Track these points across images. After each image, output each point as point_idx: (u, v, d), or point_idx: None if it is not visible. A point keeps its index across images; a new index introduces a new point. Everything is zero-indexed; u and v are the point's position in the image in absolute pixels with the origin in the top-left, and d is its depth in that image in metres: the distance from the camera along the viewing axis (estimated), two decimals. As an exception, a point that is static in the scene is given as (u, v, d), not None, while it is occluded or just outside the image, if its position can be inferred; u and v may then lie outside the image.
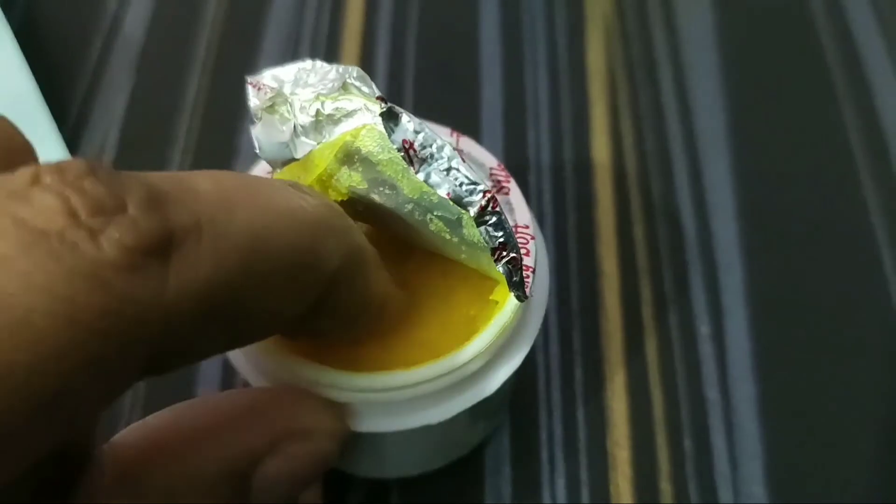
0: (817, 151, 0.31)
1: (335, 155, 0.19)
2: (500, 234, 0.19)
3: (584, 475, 0.25)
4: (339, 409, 0.19)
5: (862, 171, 0.30)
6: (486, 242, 0.19)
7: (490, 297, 0.20)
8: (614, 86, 0.33)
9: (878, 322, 0.27)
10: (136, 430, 0.16)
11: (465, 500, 0.25)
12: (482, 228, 0.18)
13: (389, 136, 0.18)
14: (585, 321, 0.27)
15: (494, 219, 0.18)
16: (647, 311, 0.27)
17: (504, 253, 0.19)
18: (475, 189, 0.18)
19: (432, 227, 0.19)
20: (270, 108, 0.19)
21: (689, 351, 0.27)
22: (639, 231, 0.29)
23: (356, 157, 0.19)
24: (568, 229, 0.29)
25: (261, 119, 0.19)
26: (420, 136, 0.18)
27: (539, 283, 0.21)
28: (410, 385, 0.19)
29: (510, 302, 0.20)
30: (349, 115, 0.19)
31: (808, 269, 0.28)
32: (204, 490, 0.16)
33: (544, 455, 0.25)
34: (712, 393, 0.26)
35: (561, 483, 0.25)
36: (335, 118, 0.19)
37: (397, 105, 0.18)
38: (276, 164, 0.20)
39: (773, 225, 0.29)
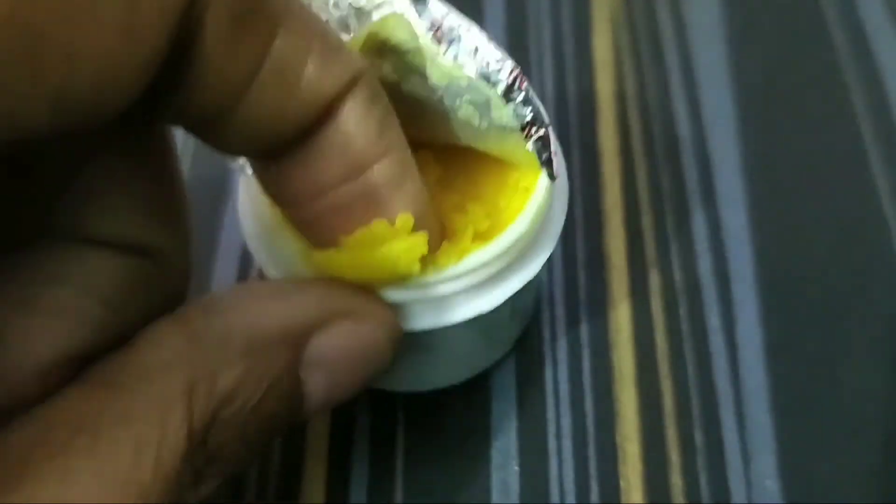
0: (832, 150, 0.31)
1: (363, 47, 0.20)
2: (529, 109, 0.19)
3: (592, 466, 0.25)
4: (392, 308, 0.20)
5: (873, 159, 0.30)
6: (515, 120, 0.19)
7: (518, 187, 0.21)
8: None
9: (892, 312, 0.27)
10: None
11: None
12: (510, 106, 0.19)
13: (419, 17, 0.19)
14: (592, 306, 0.27)
15: (522, 95, 0.19)
16: (655, 303, 0.27)
17: (533, 130, 0.19)
18: (502, 67, 0.19)
19: (461, 113, 0.20)
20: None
21: (700, 341, 0.27)
22: (647, 220, 0.29)
23: (385, 47, 0.19)
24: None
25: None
26: (448, 19, 0.19)
27: (559, 169, 0.22)
28: (462, 274, 0.20)
29: (541, 184, 0.21)
30: (378, 6, 0.19)
31: (820, 258, 0.28)
32: (258, 346, 0.16)
33: (552, 446, 0.25)
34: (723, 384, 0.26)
35: (570, 477, 0.25)
36: (366, 10, 0.20)
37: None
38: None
39: (784, 216, 0.29)
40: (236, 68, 0.15)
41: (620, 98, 0.32)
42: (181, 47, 0.14)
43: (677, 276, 0.28)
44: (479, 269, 0.20)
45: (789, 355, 0.26)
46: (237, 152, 0.19)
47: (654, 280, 0.28)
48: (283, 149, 0.17)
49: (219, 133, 0.16)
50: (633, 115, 0.31)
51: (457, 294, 0.21)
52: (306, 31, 0.16)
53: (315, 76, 0.16)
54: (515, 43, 0.34)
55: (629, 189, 0.30)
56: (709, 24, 0.34)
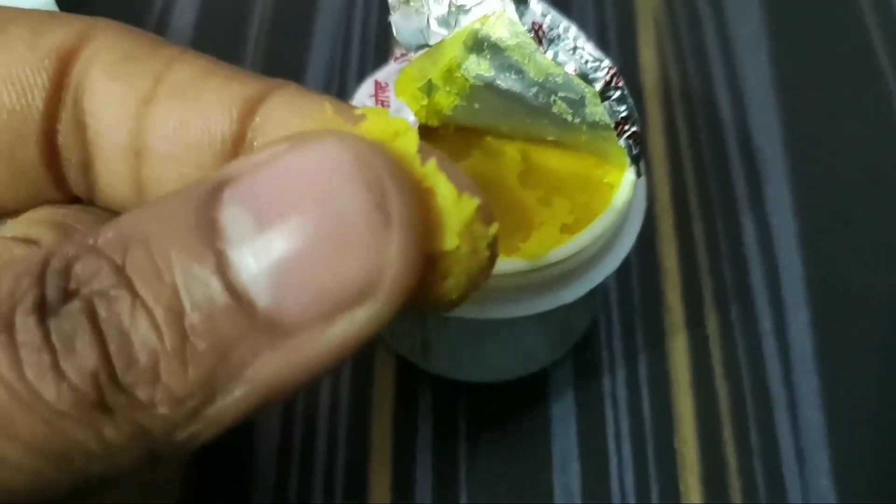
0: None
1: (464, 42, 0.20)
2: (624, 108, 0.20)
3: (652, 469, 0.25)
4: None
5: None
6: (610, 117, 0.20)
7: (602, 182, 0.22)
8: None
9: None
10: None
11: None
12: (606, 103, 0.20)
13: (520, 18, 0.19)
14: (647, 312, 0.28)
15: (618, 93, 0.20)
16: (708, 308, 0.28)
17: (626, 127, 0.20)
18: (600, 65, 0.20)
19: (556, 108, 0.21)
20: (406, 2, 0.20)
21: (753, 346, 0.27)
22: (698, 227, 0.30)
23: (485, 43, 0.20)
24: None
25: (398, 9, 0.20)
26: (548, 18, 0.20)
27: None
28: (549, 265, 0.20)
29: (626, 181, 0.21)
30: (479, 4, 0.20)
31: (868, 263, 0.29)
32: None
33: (612, 449, 0.26)
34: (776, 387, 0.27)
35: (629, 479, 0.25)
36: (465, 8, 0.20)
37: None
38: (410, 48, 0.21)
39: (832, 220, 0.30)
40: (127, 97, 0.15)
41: (667, 101, 0.33)
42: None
43: (729, 281, 0.29)
44: (565, 260, 0.21)
45: (840, 358, 0.27)
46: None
47: (707, 285, 0.28)
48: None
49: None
50: (680, 120, 0.32)
51: (540, 285, 0.21)
52: (200, 62, 0.15)
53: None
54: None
55: (679, 195, 0.30)
56: (753, 35, 0.35)
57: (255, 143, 0.14)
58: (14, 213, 0.16)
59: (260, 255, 0.11)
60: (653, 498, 0.25)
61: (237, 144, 0.14)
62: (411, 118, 0.22)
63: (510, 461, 0.25)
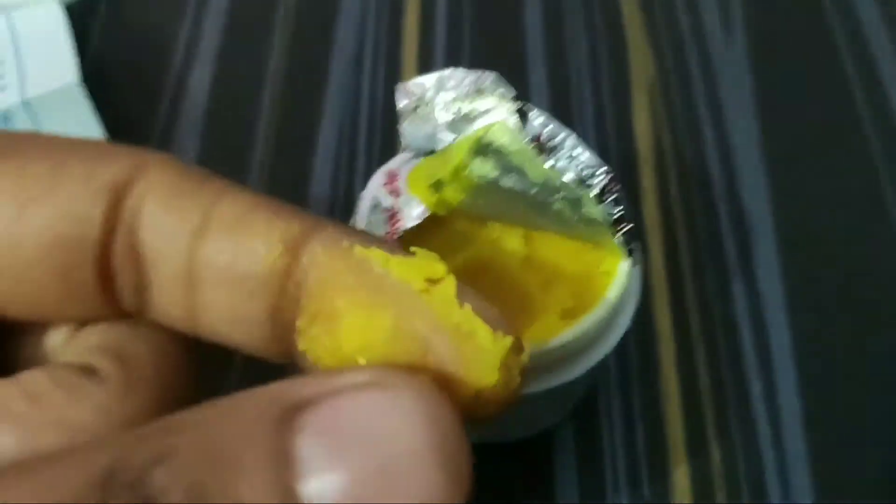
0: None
1: (470, 148, 0.22)
2: (619, 209, 0.22)
3: None
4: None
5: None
6: (605, 217, 0.22)
7: (599, 270, 0.23)
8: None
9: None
10: None
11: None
12: (602, 206, 0.22)
13: (522, 130, 0.21)
14: (643, 374, 0.30)
15: (613, 196, 0.22)
16: (702, 375, 0.30)
17: (621, 225, 0.22)
18: (596, 172, 0.21)
19: (555, 206, 0.22)
20: (415, 109, 0.22)
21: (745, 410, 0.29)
22: (690, 293, 0.32)
23: (489, 148, 0.22)
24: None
25: (408, 118, 0.22)
26: (547, 129, 0.21)
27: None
28: (551, 350, 0.22)
29: (622, 269, 0.23)
30: (483, 114, 0.22)
31: (857, 325, 0.31)
32: None
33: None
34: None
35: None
36: (471, 117, 0.22)
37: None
38: (419, 153, 0.23)
39: (818, 283, 0.32)
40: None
41: (660, 167, 0.34)
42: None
43: (721, 347, 0.30)
44: (566, 344, 0.22)
45: (825, 416, 0.29)
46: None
47: (700, 351, 0.30)
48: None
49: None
50: (673, 184, 0.34)
51: (543, 366, 0.23)
52: (247, 198, 0.17)
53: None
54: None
55: (672, 259, 0.32)
56: (742, 101, 0.37)
57: (303, 285, 0.16)
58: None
59: (325, 490, 0.12)
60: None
61: (284, 279, 0.16)
62: (422, 207, 0.24)
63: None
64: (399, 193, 0.26)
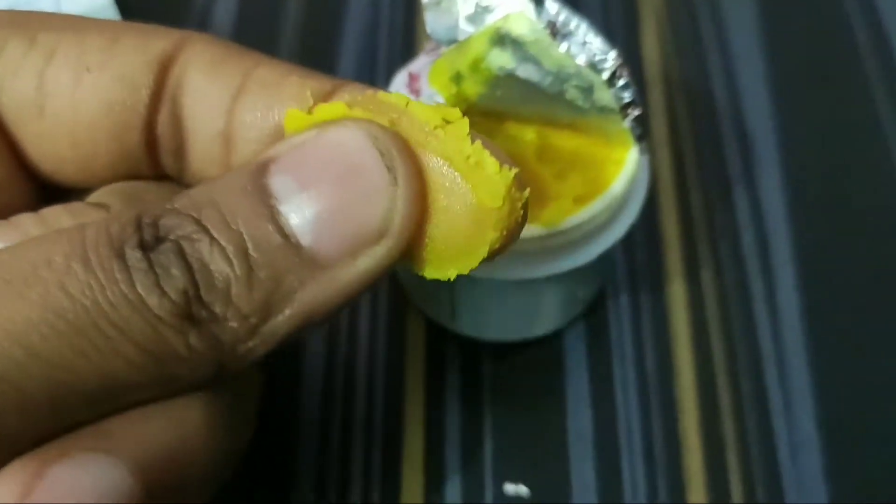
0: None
1: (488, 38, 0.23)
2: (628, 93, 0.23)
3: (655, 415, 0.29)
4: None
5: None
6: (616, 102, 0.23)
7: (610, 160, 0.25)
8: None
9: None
10: None
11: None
12: (613, 90, 0.23)
13: (537, 17, 0.23)
14: (650, 277, 0.31)
15: (623, 81, 0.23)
16: (705, 273, 0.31)
17: (630, 110, 0.23)
18: (607, 57, 0.23)
19: (568, 95, 0.24)
20: (438, 2, 0.24)
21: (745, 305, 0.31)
22: (696, 202, 0.33)
23: (507, 39, 0.23)
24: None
25: (430, 9, 0.24)
26: (561, 16, 0.23)
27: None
28: (564, 231, 0.24)
29: (631, 157, 0.24)
30: (501, 4, 0.23)
31: (852, 230, 0.32)
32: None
33: (619, 397, 0.29)
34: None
35: (635, 423, 0.28)
36: (490, 8, 0.23)
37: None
38: (442, 42, 0.24)
39: (817, 195, 0.33)
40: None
41: (668, 90, 0.36)
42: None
43: (723, 249, 0.32)
44: (578, 227, 0.24)
45: (824, 316, 0.30)
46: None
47: (704, 253, 0.32)
48: None
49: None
50: (680, 105, 0.35)
51: (557, 249, 0.24)
52: (283, 65, 0.19)
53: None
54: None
55: (679, 173, 0.34)
56: (746, 26, 0.38)
57: None
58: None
59: (303, 207, 0.15)
60: (655, 438, 0.28)
61: None
62: (442, 103, 0.25)
63: (529, 410, 0.29)
64: (420, 93, 0.27)
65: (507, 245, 0.17)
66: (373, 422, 0.28)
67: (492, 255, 0.17)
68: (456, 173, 0.16)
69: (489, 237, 0.16)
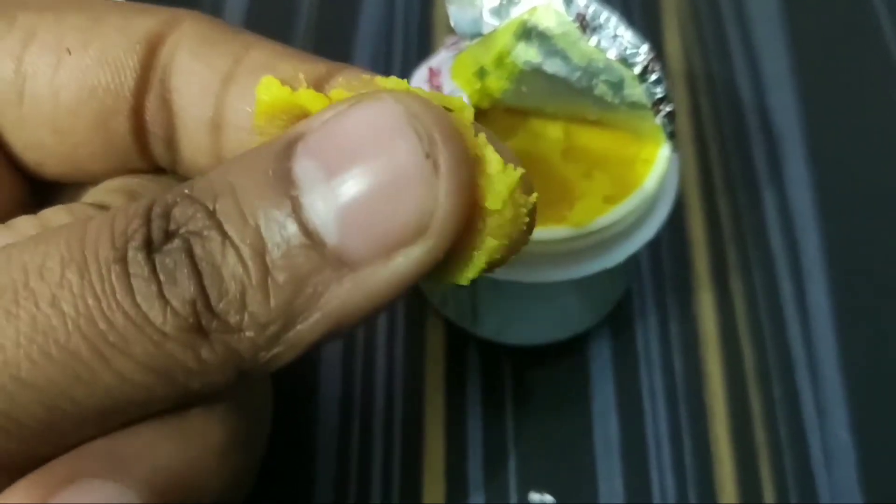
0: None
1: (514, 31, 0.22)
2: (660, 89, 0.22)
3: (684, 422, 0.28)
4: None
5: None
6: (647, 98, 0.22)
7: (639, 158, 0.24)
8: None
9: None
10: None
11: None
12: (644, 85, 0.22)
13: (566, 9, 0.22)
14: (676, 281, 0.30)
15: (655, 76, 0.22)
16: (734, 276, 0.30)
17: (662, 106, 0.22)
18: (638, 51, 0.22)
19: (597, 90, 0.23)
20: (462, -7, 0.23)
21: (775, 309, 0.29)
22: (722, 202, 0.32)
23: (533, 32, 0.22)
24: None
25: (454, 2, 0.23)
26: (591, 9, 0.22)
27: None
28: (593, 232, 0.23)
29: (662, 155, 0.23)
30: (527, -3, 0.22)
31: (883, 231, 0.31)
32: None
33: (647, 404, 0.28)
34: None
35: (664, 430, 0.27)
36: (516, 1, 0.22)
37: None
38: (465, 36, 0.23)
39: (847, 194, 0.32)
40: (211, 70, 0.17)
41: (691, 86, 0.35)
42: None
43: (751, 250, 0.31)
44: (607, 228, 0.23)
45: (856, 320, 0.29)
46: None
47: (731, 254, 0.31)
48: None
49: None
50: (704, 103, 0.34)
51: (584, 251, 0.24)
52: (276, 47, 0.17)
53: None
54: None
55: (704, 172, 0.33)
56: (771, 21, 0.37)
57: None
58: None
59: (328, 199, 0.13)
60: (685, 446, 0.27)
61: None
62: (465, 100, 0.24)
63: (553, 417, 0.28)
64: (441, 89, 0.26)
65: (509, 256, 0.15)
66: (392, 429, 0.28)
67: (491, 267, 0.15)
68: None
69: (488, 246, 0.14)
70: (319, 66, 0.17)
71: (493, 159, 0.14)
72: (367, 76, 0.17)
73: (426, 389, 0.28)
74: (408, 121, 0.13)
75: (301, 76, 0.16)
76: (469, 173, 0.14)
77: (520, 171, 0.14)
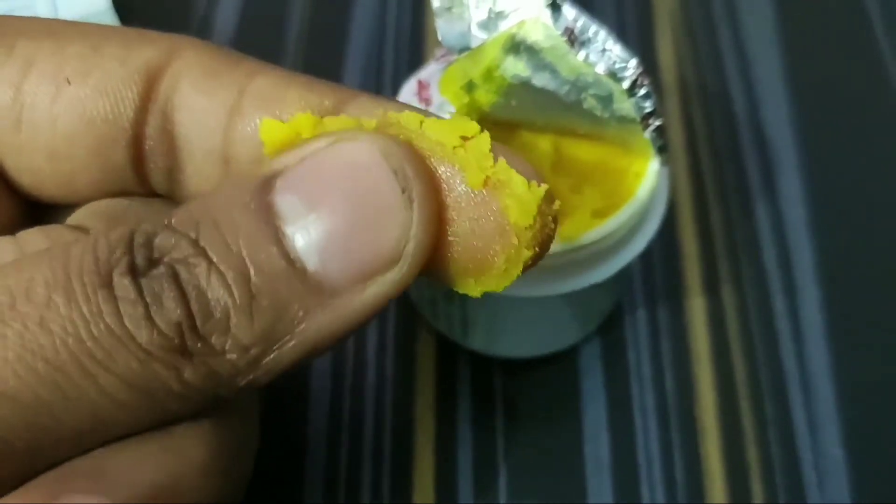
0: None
1: (502, 45, 0.22)
2: (649, 103, 0.22)
3: (675, 438, 0.27)
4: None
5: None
6: (636, 112, 0.22)
7: (629, 172, 0.24)
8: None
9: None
10: None
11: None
12: (633, 100, 0.22)
13: (554, 23, 0.22)
14: (668, 294, 0.30)
15: (644, 90, 0.22)
16: (726, 290, 0.30)
17: (651, 121, 0.22)
18: (627, 65, 0.22)
19: (586, 104, 0.23)
20: (449, 8, 0.23)
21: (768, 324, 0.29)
22: (715, 215, 0.32)
23: (522, 46, 0.22)
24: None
25: (442, 16, 0.23)
26: (579, 23, 0.22)
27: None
28: (582, 247, 0.23)
29: (652, 169, 0.23)
30: (515, 10, 0.22)
31: (875, 244, 0.31)
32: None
33: (638, 422, 0.28)
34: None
35: (654, 447, 0.27)
36: (504, 14, 0.22)
37: None
38: (454, 50, 0.23)
39: (839, 206, 0.32)
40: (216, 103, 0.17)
41: (684, 98, 0.35)
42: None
43: (744, 264, 0.31)
44: (596, 242, 0.23)
45: (849, 335, 0.29)
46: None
47: (723, 267, 0.30)
48: None
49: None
50: (697, 114, 0.34)
51: (574, 265, 0.23)
52: (280, 73, 0.17)
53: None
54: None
55: (697, 184, 0.32)
56: (764, 33, 0.37)
57: None
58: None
59: (309, 229, 0.14)
60: (676, 462, 0.27)
61: None
62: (453, 112, 0.24)
63: (544, 432, 0.28)
64: (430, 102, 0.26)
65: (539, 260, 0.16)
66: (382, 441, 0.27)
67: (524, 271, 0.16)
68: (481, 193, 0.15)
69: (523, 256, 0.15)
70: (328, 95, 0.17)
71: (517, 181, 0.15)
72: (380, 110, 0.17)
73: (416, 402, 0.28)
74: (384, 158, 0.14)
75: (309, 111, 0.17)
76: (438, 206, 0.15)
77: (544, 186, 0.15)
